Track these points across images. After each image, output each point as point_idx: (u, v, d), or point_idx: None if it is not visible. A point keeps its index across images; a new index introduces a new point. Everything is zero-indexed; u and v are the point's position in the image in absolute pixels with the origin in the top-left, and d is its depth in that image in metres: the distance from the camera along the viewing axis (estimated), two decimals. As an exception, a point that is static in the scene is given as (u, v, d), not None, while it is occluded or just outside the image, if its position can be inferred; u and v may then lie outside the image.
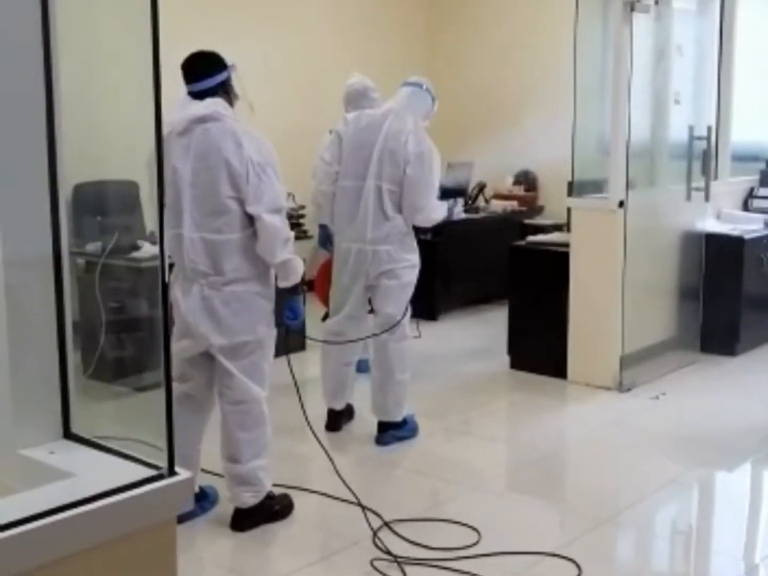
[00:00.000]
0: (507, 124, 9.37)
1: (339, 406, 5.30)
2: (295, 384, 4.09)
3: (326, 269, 5.51)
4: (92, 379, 5.22)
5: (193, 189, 3.75)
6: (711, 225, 6.97)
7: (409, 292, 5.03)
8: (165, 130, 3.75)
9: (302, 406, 4.13)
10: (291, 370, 4.08)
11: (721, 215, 7.19)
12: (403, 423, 5.16)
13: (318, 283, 5.75)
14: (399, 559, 3.73)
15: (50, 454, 2.24)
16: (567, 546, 3.93)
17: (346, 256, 4.99)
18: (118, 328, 5.49)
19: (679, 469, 4.78)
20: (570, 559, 3.78)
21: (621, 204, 5.90)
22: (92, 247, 5.65)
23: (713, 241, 6.83)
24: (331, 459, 4.21)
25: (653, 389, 6.02)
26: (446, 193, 6.13)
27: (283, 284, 3.89)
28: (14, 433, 2.25)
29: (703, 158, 6.44)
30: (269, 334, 3.97)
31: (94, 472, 2.15)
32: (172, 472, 2.13)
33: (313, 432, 4.16)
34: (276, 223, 3.77)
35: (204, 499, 4.13)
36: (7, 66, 2.18)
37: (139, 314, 5.57)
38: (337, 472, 4.19)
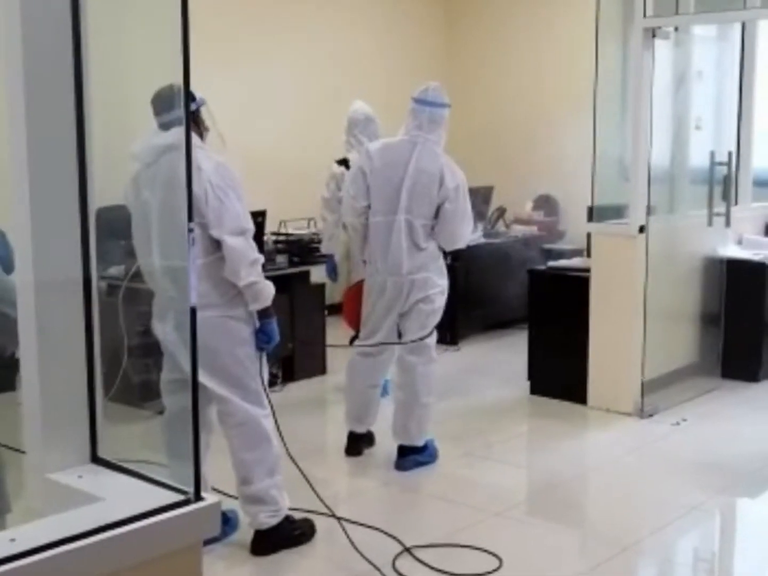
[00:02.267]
0: (527, 149, 9.40)
1: (361, 429, 5.30)
2: (273, 413, 4.03)
3: (355, 293, 5.51)
4: (113, 401, 5.25)
5: (160, 218, 3.70)
6: (732, 250, 6.96)
7: (439, 316, 5.07)
8: (134, 166, 3.76)
9: (278, 428, 4.05)
10: (269, 398, 4.06)
11: (743, 241, 7.18)
12: (424, 448, 5.15)
13: (347, 308, 5.75)
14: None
15: (78, 478, 2.25)
16: (588, 573, 3.91)
17: (381, 288, 4.99)
18: (140, 351, 5.51)
19: (701, 496, 4.75)
20: (592, 587, 3.77)
21: (642, 229, 5.90)
22: (115, 270, 5.67)
23: (734, 266, 6.82)
24: (308, 480, 4.06)
25: (674, 415, 5.99)
26: None
27: (253, 307, 3.90)
28: (43, 458, 2.26)
29: (724, 184, 6.43)
30: (249, 355, 3.96)
31: (122, 496, 2.16)
32: (198, 497, 2.14)
33: (291, 457, 4.01)
34: (239, 246, 3.78)
35: (225, 523, 4.13)
36: (40, 94, 2.21)
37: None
38: (316, 493, 4.07)
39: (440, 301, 5.06)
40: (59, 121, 2.25)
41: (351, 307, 5.61)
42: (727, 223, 6.51)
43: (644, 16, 5.77)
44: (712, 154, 6.42)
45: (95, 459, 2.33)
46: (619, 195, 6.23)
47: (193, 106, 3.84)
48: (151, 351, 5.43)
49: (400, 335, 5.04)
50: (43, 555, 1.86)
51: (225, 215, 3.77)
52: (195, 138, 3.83)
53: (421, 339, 4.99)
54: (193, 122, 3.87)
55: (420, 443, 5.12)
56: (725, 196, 6.48)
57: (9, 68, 2.19)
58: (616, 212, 6.18)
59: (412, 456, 5.10)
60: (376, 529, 4.24)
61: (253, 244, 3.87)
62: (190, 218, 2.25)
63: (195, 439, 2.17)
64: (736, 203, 7.09)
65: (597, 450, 5.56)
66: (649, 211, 5.94)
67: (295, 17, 8.69)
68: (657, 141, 6.00)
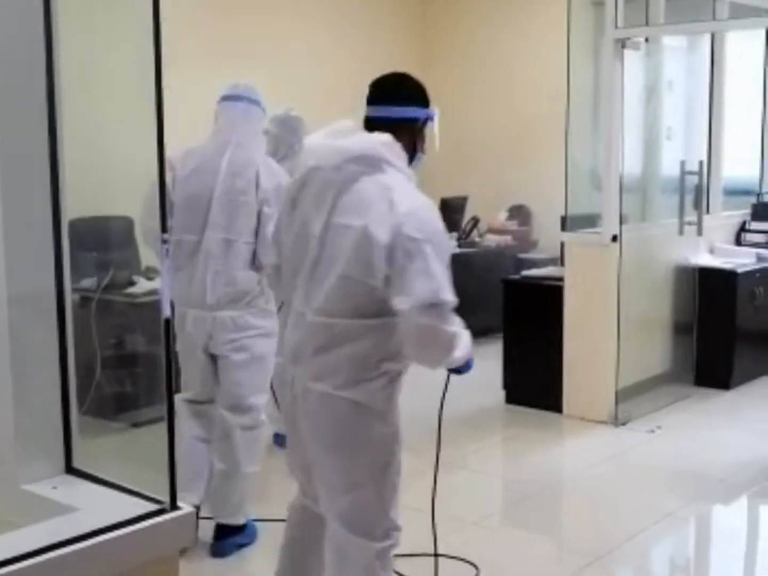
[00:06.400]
0: (501, 159, 9.43)
1: (192, 499, 4.01)
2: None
3: None
4: (87, 415, 5.22)
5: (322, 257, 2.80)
6: (704, 259, 7.01)
7: (265, 366, 4.06)
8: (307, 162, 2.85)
9: None
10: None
11: (714, 249, 7.23)
12: (244, 527, 4.24)
13: None
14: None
15: (53, 489, 2.24)
16: (565, 580, 3.92)
17: (180, 324, 4.10)
18: (113, 363, 5.49)
19: (675, 504, 4.77)
20: (568, 594, 3.78)
21: (614, 238, 5.93)
22: (87, 282, 5.65)
23: (706, 275, 6.87)
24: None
25: (648, 423, 6.02)
26: None
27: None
28: (17, 469, 2.25)
29: (695, 193, 6.49)
30: None
31: (97, 506, 2.15)
32: (174, 507, 2.13)
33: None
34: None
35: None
36: (11, 107, 2.21)
37: (134, 349, 5.57)
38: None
39: (260, 347, 4.09)
40: (31, 134, 2.24)
41: None
42: (699, 232, 6.56)
43: (615, 27, 5.81)
44: (683, 164, 6.47)
45: (70, 470, 2.32)
46: (592, 204, 6.27)
47: (418, 112, 3.06)
48: (124, 363, 5.40)
49: None
50: (19, 565, 1.85)
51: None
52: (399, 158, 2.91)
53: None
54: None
55: (241, 521, 4.22)
56: (696, 205, 6.53)
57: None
58: (590, 221, 6.22)
59: (232, 538, 4.19)
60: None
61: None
62: (164, 229, 2.25)
63: (170, 448, 2.17)
64: (708, 212, 7.14)
65: (572, 458, 5.58)
66: (622, 220, 5.98)
67: (269, 21, 8.65)
68: (628, 151, 6.04)
